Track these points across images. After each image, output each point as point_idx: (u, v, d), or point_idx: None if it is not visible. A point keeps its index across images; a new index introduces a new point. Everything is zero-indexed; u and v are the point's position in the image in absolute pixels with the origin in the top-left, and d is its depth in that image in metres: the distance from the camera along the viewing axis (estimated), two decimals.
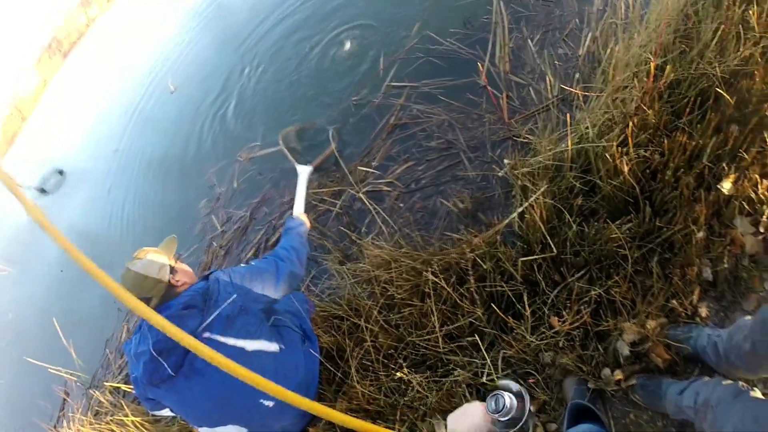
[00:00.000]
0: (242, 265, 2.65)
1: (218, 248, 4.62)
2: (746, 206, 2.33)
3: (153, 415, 3.14)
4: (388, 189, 3.76)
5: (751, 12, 2.76)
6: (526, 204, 2.64)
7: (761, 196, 2.31)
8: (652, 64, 2.67)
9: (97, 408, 4.19)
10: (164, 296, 2.35)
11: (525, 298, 2.40)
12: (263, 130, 5.35)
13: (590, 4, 3.95)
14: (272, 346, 2.50)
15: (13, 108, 16.56)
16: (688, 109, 2.61)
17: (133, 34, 11.50)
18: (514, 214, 2.75)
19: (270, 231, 4.28)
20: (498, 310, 2.40)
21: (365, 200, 3.49)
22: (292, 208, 3.51)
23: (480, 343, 2.35)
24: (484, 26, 4.37)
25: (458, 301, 2.49)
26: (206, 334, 2.28)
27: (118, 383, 3.92)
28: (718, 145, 2.46)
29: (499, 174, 3.25)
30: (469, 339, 2.45)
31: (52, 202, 8.40)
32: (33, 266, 7.68)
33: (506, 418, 1.40)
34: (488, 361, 2.33)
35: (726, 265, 2.28)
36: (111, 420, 3.51)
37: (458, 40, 4.38)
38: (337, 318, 3.00)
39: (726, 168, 2.40)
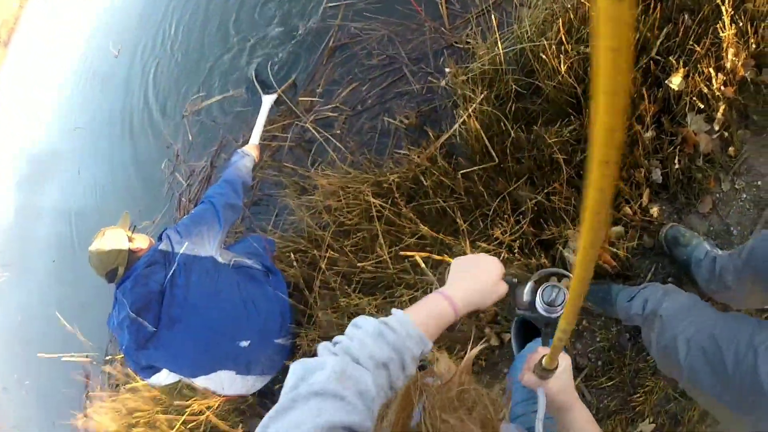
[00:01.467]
0: (185, 217, 2.79)
1: (188, 202, 4.62)
2: (699, 103, 2.20)
3: (153, 386, 3.24)
4: (335, 114, 3.63)
5: None
6: (465, 115, 2.51)
7: (715, 91, 2.17)
8: None
9: (114, 381, 4.38)
10: (128, 262, 2.53)
11: (458, 213, 2.33)
12: (204, 77, 5.21)
13: None
14: (235, 283, 2.73)
15: None
16: None
17: (68, 7, 11.01)
18: (456, 126, 2.63)
19: None
20: (427, 228, 2.33)
21: (312, 129, 3.36)
22: None
23: (422, 263, 2.28)
24: None
25: (398, 221, 2.42)
26: (172, 285, 2.51)
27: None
28: (666, 37, 2.31)
29: (441, 84, 3.12)
30: (412, 259, 2.39)
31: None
32: (27, 263, 7.69)
33: (556, 314, 1.24)
34: (434, 277, 2.27)
35: (677, 166, 2.19)
36: (125, 390, 3.70)
37: None
38: (300, 251, 3.05)
39: (675, 62, 2.24)
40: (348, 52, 3.82)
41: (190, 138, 4.93)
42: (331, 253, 2.73)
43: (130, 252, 2.55)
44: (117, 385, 4.17)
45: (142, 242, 2.65)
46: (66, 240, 6.57)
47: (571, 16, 2.45)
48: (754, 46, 2.20)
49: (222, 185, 2.96)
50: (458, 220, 2.33)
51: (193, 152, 4.85)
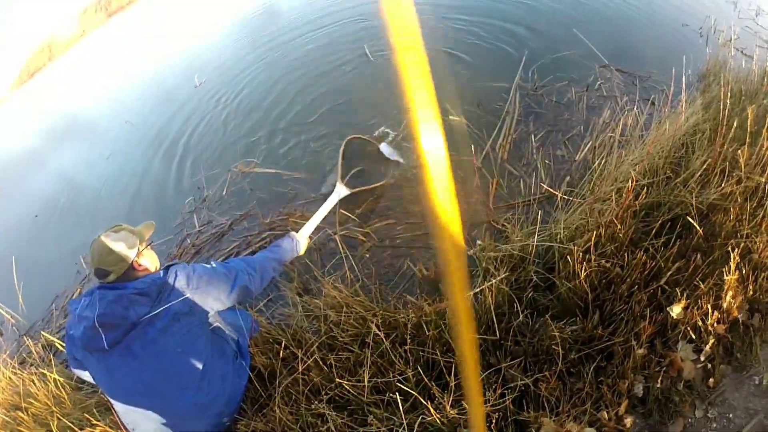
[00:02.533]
0: (205, 264, 2.67)
1: (191, 246, 4.65)
2: (692, 333, 2.36)
3: (73, 374, 3.11)
4: (363, 238, 3.81)
5: (741, 152, 2.87)
6: (483, 286, 2.68)
7: (709, 326, 2.34)
8: (632, 183, 2.76)
9: (25, 356, 4.20)
10: (123, 275, 2.41)
11: (453, 372, 2.41)
12: (265, 149, 5.47)
13: (598, 115, 4.11)
14: (206, 351, 2.55)
15: (45, 45, 17.06)
16: (657, 231, 2.68)
17: (179, 16, 11.85)
18: (469, 293, 2.78)
19: (243, 245, 4.29)
20: (423, 376, 2.41)
21: (339, 243, 3.52)
22: (299, 229, 3.53)
23: (400, 404, 2.34)
24: (496, 111, 4.56)
25: (393, 357, 2.50)
26: (150, 323, 2.35)
27: (53, 338, 3.88)
28: (677, 270, 2.52)
29: (469, 252, 3.30)
30: (393, 396, 2.45)
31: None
32: (9, 201, 7.74)
33: None
34: (405, 422, 2.31)
35: (659, 386, 2.30)
36: (35, 372, 3.50)
37: (468, 117, 4.53)
38: (278, 343, 3.00)
39: (680, 293, 2.44)
40: (398, 191, 4.09)
41: (224, 192, 5.04)
42: (312, 360, 2.73)
43: (132, 265, 2.45)
44: (25, 362, 4.03)
45: (149, 262, 2.56)
46: (52, 204, 6.63)
47: (602, 232, 2.68)
48: (751, 292, 2.43)
49: (257, 269, 2.86)
50: (448, 376, 2.41)
51: (220, 206, 4.92)
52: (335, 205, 3.82)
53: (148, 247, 2.61)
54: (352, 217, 3.98)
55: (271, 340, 3.09)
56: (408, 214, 3.86)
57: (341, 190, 3.88)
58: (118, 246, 2.40)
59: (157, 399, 2.44)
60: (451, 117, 4.45)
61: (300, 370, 2.69)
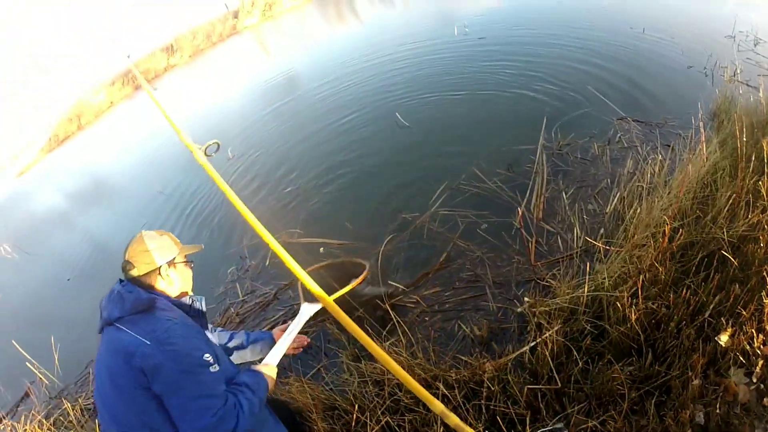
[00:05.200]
0: (199, 382, 2.00)
1: (234, 315, 4.77)
2: (741, 358, 2.50)
3: None
4: (413, 305, 3.97)
5: (762, 182, 3.07)
6: (540, 339, 2.86)
7: (756, 349, 2.48)
8: (668, 228, 2.95)
9: (60, 417, 4.30)
10: (144, 278, 2.23)
11: (527, 422, 2.56)
12: (304, 218, 5.75)
13: (622, 167, 4.33)
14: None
15: (73, 114, 18.07)
16: (695, 269, 2.86)
17: (199, 89, 12.71)
18: (527, 347, 2.95)
19: (289, 314, 4.40)
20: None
21: (390, 312, 3.68)
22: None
23: None
24: (526, 173, 4.83)
25: (464, 414, 2.66)
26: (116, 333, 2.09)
27: (91, 404, 3.97)
28: (719, 302, 2.68)
29: (518, 310, 3.47)
30: None
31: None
32: (42, 261, 8.18)
33: None
34: None
35: (718, 411, 2.42)
36: None
37: (501, 181, 4.82)
38: (340, 410, 3.14)
39: (725, 322, 2.60)
40: (450, 265, 4.25)
41: (267, 263, 5.23)
42: (374, 424, 2.84)
43: (158, 272, 2.25)
44: (58, 423, 4.19)
45: (177, 282, 2.34)
46: (82, 265, 7.22)
47: (644, 277, 2.86)
48: None
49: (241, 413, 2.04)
50: (519, 427, 2.56)
51: (262, 276, 5.09)
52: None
53: (187, 264, 2.45)
54: (401, 287, 4.14)
55: (331, 407, 3.20)
56: (454, 280, 4.03)
57: (306, 310, 3.06)
58: (153, 245, 2.29)
59: (99, 403, 2.14)
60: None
61: None
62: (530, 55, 7.77)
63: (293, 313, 4.21)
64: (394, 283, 4.16)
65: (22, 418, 4.41)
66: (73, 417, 4.16)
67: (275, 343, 2.77)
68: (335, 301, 2.37)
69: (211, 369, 2.05)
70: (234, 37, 23.92)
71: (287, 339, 2.75)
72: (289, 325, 2.84)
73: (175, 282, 2.35)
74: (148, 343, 1.99)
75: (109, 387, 2.05)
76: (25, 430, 4.17)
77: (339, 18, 20.03)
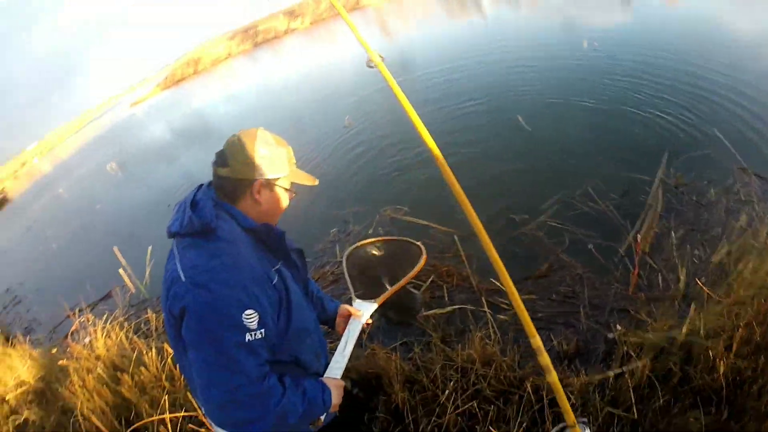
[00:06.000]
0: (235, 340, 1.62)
1: (329, 273, 5.10)
2: None
3: None
4: (506, 306, 4.20)
5: None
6: (628, 368, 3.09)
7: None
8: None
9: (142, 325, 4.83)
10: (232, 183, 1.82)
11: None
12: (413, 197, 6.00)
13: (736, 219, 4.40)
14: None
15: (192, 59, 19.14)
16: None
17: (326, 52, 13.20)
18: (612, 373, 3.19)
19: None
20: None
21: (486, 308, 3.93)
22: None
23: None
24: (639, 204, 4.95)
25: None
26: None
27: None
28: None
29: (609, 335, 3.68)
30: None
31: None
32: (144, 182, 9.00)
33: None
34: None
35: None
36: (152, 344, 4.05)
37: (614, 205, 4.99)
38: (419, 385, 3.32)
39: None
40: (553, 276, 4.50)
41: (370, 232, 5.54)
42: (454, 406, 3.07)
43: (251, 184, 1.81)
44: (141, 331, 4.62)
45: (267, 204, 1.88)
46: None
47: (740, 334, 3.03)
48: None
49: (275, 409, 1.66)
50: None
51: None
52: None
53: (288, 192, 1.95)
54: (498, 286, 4.33)
55: (411, 379, 3.39)
56: (551, 292, 4.27)
57: (365, 307, 2.47)
58: (264, 151, 1.81)
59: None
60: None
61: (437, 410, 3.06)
62: (669, 79, 7.65)
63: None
64: (496, 282, 4.32)
65: (105, 315, 4.92)
66: (154, 326, 4.62)
67: (335, 315, 2.41)
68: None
69: (247, 336, 1.63)
70: (355, 11, 24.16)
71: (347, 348, 2.20)
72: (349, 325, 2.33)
73: (264, 206, 1.88)
74: (183, 280, 1.67)
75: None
76: (105, 327, 4.63)
77: (462, 9, 19.99)
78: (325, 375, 2.05)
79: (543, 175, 5.88)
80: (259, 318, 1.65)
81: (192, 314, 1.63)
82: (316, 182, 2.01)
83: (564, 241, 4.72)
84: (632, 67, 8.41)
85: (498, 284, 4.30)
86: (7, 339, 6.77)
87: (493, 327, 3.71)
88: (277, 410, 1.67)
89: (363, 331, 2.37)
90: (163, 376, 3.64)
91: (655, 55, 8.71)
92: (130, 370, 3.78)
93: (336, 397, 1.92)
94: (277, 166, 1.84)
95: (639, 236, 4.42)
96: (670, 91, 7.20)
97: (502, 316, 4.06)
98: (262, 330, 1.66)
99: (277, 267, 1.86)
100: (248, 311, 1.62)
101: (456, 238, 4.91)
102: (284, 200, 1.93)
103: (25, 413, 4.60)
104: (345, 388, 2.05)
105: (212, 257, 1.67)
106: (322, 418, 1.88)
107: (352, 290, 2.63)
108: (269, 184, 1.85)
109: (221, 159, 1.80)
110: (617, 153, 5.90)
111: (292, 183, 1.95)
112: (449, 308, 4.30)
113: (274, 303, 1.76)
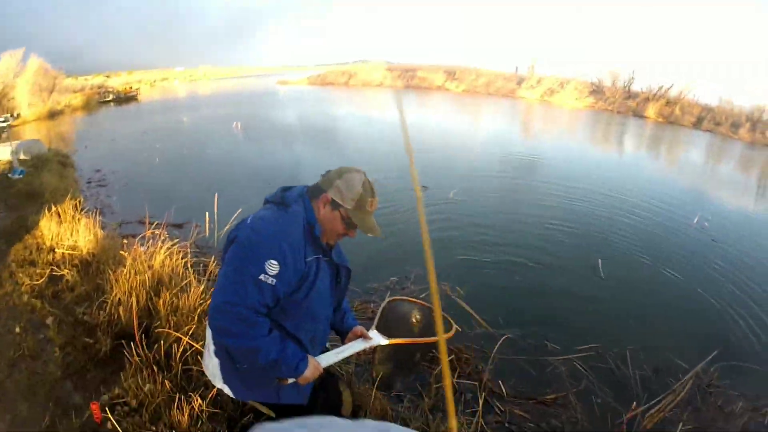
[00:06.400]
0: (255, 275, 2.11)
1: (369, 310, 5.44)
2: None
3: None
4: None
5: None
6: None
7: None
8: None
9: (200, 267, 5.37)
10: (318, 186, 2.36)
11: None
12: (474, 287, 6.35)
13: None
14: None
15: (347, 70, 20.12)
16: None
17: None
18: None
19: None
20: None
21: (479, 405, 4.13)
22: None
23: None
24: (665, 385, 4.99)
25: None
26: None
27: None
28: None
29: None
30: None
31: None
32: (257, 152, 10.90)
33: None
34: None
35: None
36: (203, 280, 4.50)
37: (640, 376, 5.11)
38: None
39: None
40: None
41: (423, 294, 5.78)
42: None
43: (321, 195, 2.33)
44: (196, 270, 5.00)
45: (327, 221, 2.33)
46: None
47: None
48: None
49: (257, 336, 2.14)
50: None
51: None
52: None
53: (343, 222, 2.34)
54: (505, 395, 4.54)
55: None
56: (543, 421, 4.37)
57: (375, 337, 2.87)
58: (343, 181, 2.29)
59: None
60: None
61: None
62: (766, 290, 7.56)
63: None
64: (502, 386, 4.60)
65: (175, 239, 5.41)
66: (210, 270, 5.20)
67: (349, 330, 2.80)
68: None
69: (262, 276, 2.08)
70: (507, 99, 24.77)
71: (342, 353, 2.67)
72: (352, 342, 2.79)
73: (321, 216, 2.32)
74: (248, 222, 2.24)
75: None
76: (170, 248, 5.16)
77: (605, 139, 20.02)
78: (320, 355, 2.54)
79: (590, 319, 6.03)
80: (278, 271, 2.11)
81: (237, 243, 2.18)
82: (379, 233, 2.35)
83: (580, 384, 4.84)
84: (733, 259, 8.43)
85: (502, 389, 4.56)
86: (80, 209, 7.65)
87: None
88: (254, 341, 2.13)
89: (364, 351, 2.86)
90: (197, 312, 4.09)
91: (763, 258, 8.69)
92: (172, 290, 4.30)
93: (310, 372, 2.34)
94: (346, 198, 2.28)
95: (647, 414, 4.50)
96: (758, 297, 7.16)
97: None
98: (275, 281, 2.11)
99: (318, 257, 2.33)
100: (273, 261, 2.10)
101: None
102: (338, 224, 2.34)
103: (65, 271, 5.24)
104: (321, 375, 2.48)
105: (273, 217, 2.23)
106: (290, 381, 2.33)
107: (375, 322, 3.02)
108: (334, 204, 2.30)
109: (328, 171, 2.36)
110: (672, 331, 5.96)
111: (350, 215, 2.31)
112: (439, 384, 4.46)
113: (298, 272, 2.21)
